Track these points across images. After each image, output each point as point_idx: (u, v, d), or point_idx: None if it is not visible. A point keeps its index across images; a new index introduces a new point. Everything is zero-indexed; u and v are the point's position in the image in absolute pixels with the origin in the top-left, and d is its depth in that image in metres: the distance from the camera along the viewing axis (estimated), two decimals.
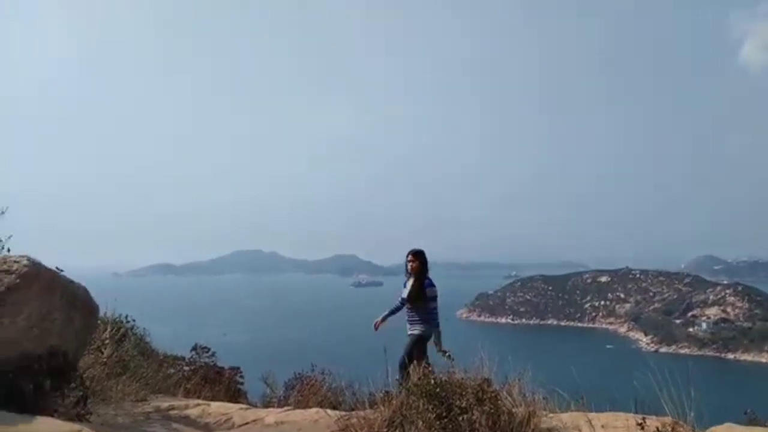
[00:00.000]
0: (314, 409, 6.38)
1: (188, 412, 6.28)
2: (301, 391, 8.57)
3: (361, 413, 5.39)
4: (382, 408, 5.17)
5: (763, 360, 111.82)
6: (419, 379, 5.09)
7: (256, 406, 7.79)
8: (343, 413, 5.80)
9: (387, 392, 5.61)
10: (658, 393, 5.13)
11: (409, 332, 7.19)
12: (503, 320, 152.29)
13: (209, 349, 11.30)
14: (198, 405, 6.58)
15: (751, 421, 6.21)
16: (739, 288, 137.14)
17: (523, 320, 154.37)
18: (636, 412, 5.67)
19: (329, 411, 6.03)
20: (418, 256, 7.31)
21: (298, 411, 6.51)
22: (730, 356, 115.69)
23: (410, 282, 7.26)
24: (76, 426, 3.59)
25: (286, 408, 6.88)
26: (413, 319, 7.22)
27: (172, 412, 6.19)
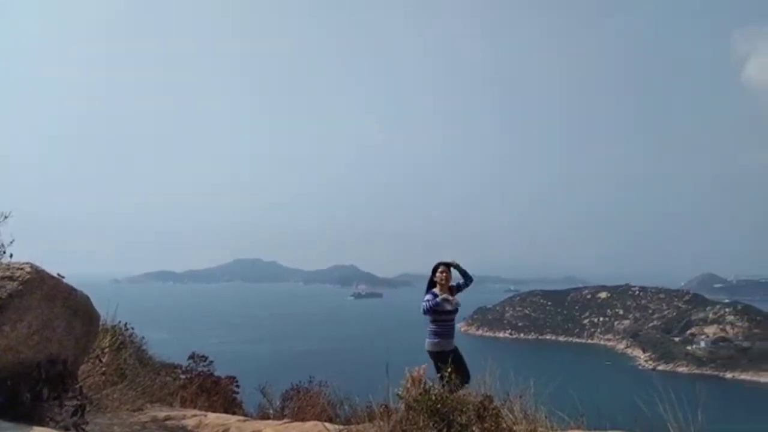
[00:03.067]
0: (312, 422, 6.31)
1: (185, 422, 6.23)
2: (298, 403, 8.51)
3: (360, 427, 5.35)
4: (381, 422, 5.12)
5: (762, 380, 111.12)
6: (420, 394, 5.04)
7: (252, 417, 7.73)
8: (341, 427, 5.76)
9: (386, 406, 5.55)
10: (663, 413, 5.05)
11: (454, 346, 6.72)
12: (502, 335, 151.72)
13: (206, 358, 11.26)
14: (195, 415, 6.53)
15: None
16: (739, 307, 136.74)
17: (522, 335, 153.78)
18: None
19: (327, 424, 5.98)
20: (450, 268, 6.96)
21: (296, 423, 6.44)
22: (729, 375, 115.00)
23: (442, 292, 6.77)
24: None
25: (284, 420, 6.82)
26: (454, 329, 6.84)
27: (168, 423, 6.14)
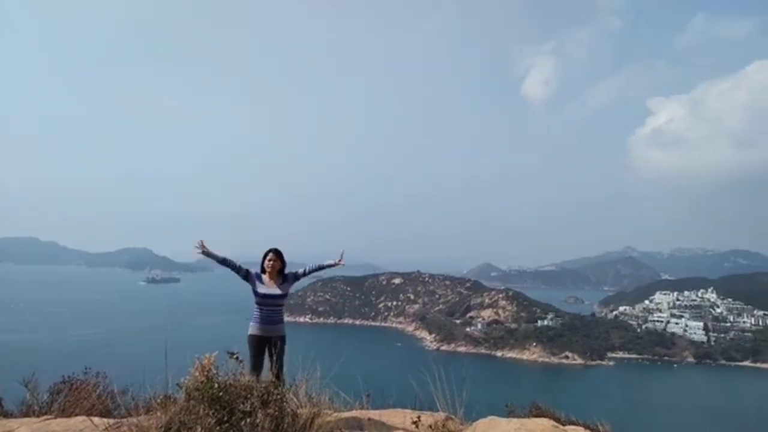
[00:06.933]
0: (80, 418, 5.68)
1: None
2: (69, 397, 7.67)
3: (134, 420, 4.96)
4: (159, 414, 4.80)
5: (524, 357, 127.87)
6: (202, 382, 4.81)
7: (12, 416, 6.78)
8: (113, 421, 5.29)
9: (166, 396, 5.23)
10: (433, 391, 5.54)
11: (283, 333, 6.63)
12: (302, 320, 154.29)
13: None
14: None
15: (510, 413, 6.99)
16: (510, 293, 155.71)
17: (322, 320, 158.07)
18: (414, 409, 6.03)
19: (95, 419, 5.44)
20: (280, 255, 6.91)
21: (60, 420, 5.76)
22: (499, 354, 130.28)
23: (270, 279, 6.75)
24: None
25: (45, 417, 6.06)
26: (281, 316, 6.76)
27: None
